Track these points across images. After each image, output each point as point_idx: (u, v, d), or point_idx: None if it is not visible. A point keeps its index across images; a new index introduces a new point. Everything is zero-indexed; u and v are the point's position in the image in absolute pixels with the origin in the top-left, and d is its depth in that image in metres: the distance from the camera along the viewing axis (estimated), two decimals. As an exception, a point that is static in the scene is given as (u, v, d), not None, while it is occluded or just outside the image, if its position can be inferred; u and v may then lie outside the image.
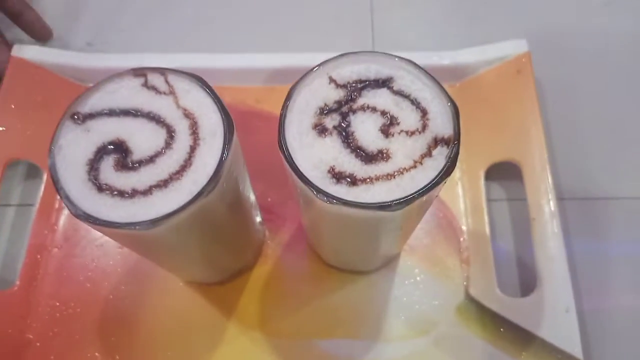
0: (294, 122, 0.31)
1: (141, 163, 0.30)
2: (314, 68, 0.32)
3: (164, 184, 0.29)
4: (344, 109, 0.31)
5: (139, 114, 0.31)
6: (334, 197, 0.28)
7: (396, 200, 0.28)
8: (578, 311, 0.42)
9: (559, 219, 0.45)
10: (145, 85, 0.32)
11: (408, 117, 0.31)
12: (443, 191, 0.49)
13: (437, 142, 0.30)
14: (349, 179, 0.29)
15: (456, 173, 0.50)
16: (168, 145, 0.30)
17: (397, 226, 0.33)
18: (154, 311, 0.45)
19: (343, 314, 0.45)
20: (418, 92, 0.32)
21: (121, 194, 0.29)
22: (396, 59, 0.32)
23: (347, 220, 0.31)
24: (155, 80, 0.32)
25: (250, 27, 0.61)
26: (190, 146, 0.30)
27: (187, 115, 0.31)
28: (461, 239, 0.47)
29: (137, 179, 0.29)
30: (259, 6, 0.62)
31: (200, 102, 0.31)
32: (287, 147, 0.30)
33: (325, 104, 0.32)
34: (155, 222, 0.28)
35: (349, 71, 0.32)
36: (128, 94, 0.32)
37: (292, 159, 0.29)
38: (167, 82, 0.32)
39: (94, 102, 0.32)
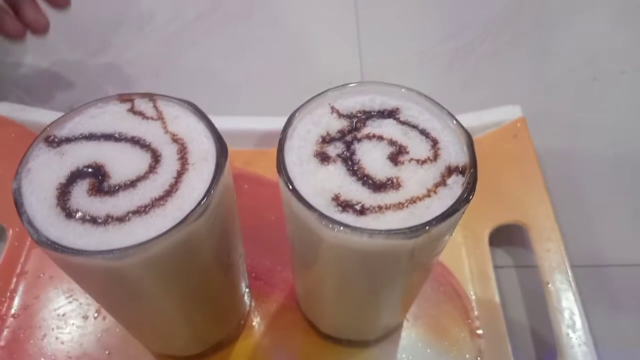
0: (294, 148, 0.28)
1: (119, 188, 0.26)
2: (314, 97, 0.30)
3: (144, 210, 0.25)
4: (348, 137, 0.29)
5: (121, 138, 0.28)
6: (341, 224, 0.25)
7: (414, 226, 0.24)
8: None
9: (575, 282, 0.41)
10: (132, 110, 0.29)
11: (418, 147, 0.29)
12: (446, 257, 0.46)
13: (451, 171, 0.28)
14: (356, 208, 0.26)
15: (459, 237, 0.47)
16: (152, 169, 0.27)
17: (408, 268, 0.29)
18: (118, 392, 0.39)
19: (340, 395, 0.39)
20: (427, 123, 0.30)
21: (93, 220, 0.25)
22: (402, 90, 0.30)
23: (352, 258, 0.27)
24: (143, 105, 0.29)
25: (239, 91, 0.60)
26: (178, 171, 0.27)
27: (176, 140, 0.28)
28: (469, 308, 0.43)
29: (113, 205, 0.26)
30: (248, 70, 0.63)
31: (191, 127, 0.29)
32: (287, 172, 0.27)
33: (328, 133, 0.29)
34: (130, 249, 0.24)
35: (353, 102, 0.31)
36: (111, 119, 0.29)
37: (292, 184, 0.26)
38: (155, 107, 0.29)
39: (72, 126, 0.29)
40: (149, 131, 0.28)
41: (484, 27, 0.67)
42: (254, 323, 0.42)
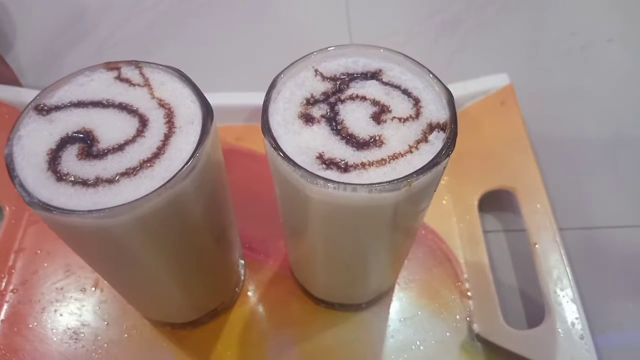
0: (278, 110, 0.29)
1: (108, 151, 0.27)
2: (298, 60, 0.31)
3: (133, 171, 0.26)
4: (332, 99, 0.30)
5: (109, 104, 0.29)
6: (325, 179, 0.25)
7: (395, 179, 0.25)
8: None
9: (562, 242, 0.42)
10: (119, 78, 0.30)
11: (400, 105, 0.29)
12: (437, 223, 0.47)
13: (432, 127, 0.28)
14: (340, 165, 0.27)
15: (449, 204, 0.47)
16: (140, 133, 0.27)
17: (393, 224, 0.30)
18: (115, 358, 0.40)
19: (333, 358, 0.40)
20: (409, 82, 0.30)
21: (84, 182, 0.26)
22: (385, 51, 0.31)
23: (338, 215, 0.28)
24: (130, 72, 0.30)
25: (228, 68, 0.61)
26: (165, 134, 0.27)
27: (162, 105, 0.29)
28: (459, 272, 0.44)
29: (103, 167, 0.26)
30: (237, 47, 0.63)
31: (177, 92, 0.29)
32: (272, 133, 0.27)
33: (312, 95, 0.30)
34: (119, 208, 0.24)
35: (336, 64, 0.31)
36: (99, 86, 0.29)
37: (277, 144, 0.27)
38: (141, 74, 0.30)
39: (61, 94, 0.29)
40: (136, 97, 0.29)
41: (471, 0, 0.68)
42: (248, 291, 0.43)
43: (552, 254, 0.42)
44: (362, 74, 0.31)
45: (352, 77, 0.31)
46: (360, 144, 0.28)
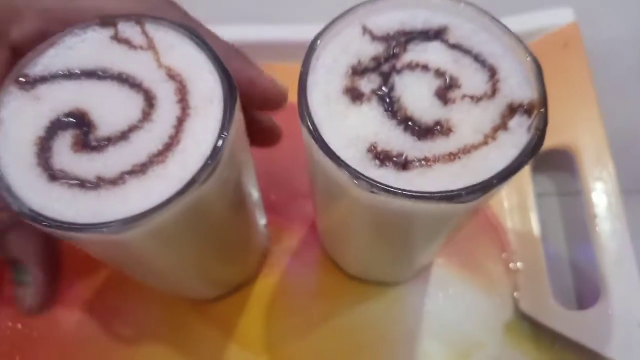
0: (319, 84, 0.23)
1: (109, 141, 0.22)
2: (342, 15, 0.24)
3: (141, 169, 0.21)
4: (385, 67, 0.24)
5: (106, 75, 0.23)
6: (380, 186, 0.20)
7: (471, 187, 0.20)
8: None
9: (625, 215, 0.37)
10: (116, 38, 0.24)
11: (472, 78, 0.23)
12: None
13: (513, 110, 0.22)
14: (396, 160, 0.21)
15: (495, 163, 0.42)
16: (146, 116, 0.22)
17: (455, 224, 0.25)
18: (134, 333, 0.37)
19: (366, 335, 0.37)
20: (483, 46, 0.24)
21: (82, 183, 0.21)
22: (452, 3, 0.24)
23: (390, 219, 0.23)
24: (129, 31, 0.24)
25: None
26: (177, 117, 0.22)
27: (172, 76, 0.23)
28: (505, 241, 0.39)
29: (104, 163, 0.21)
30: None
31: (190, 59, 0.23)
32: (311, 116, 0.22)
33: (360, 62, 0.24)
34: (129, 222, 0.20)
35: (390, 19, 0.25)
36: (92, 49, 0.24)
37: (318, 132, 0.21)
38: (144, 33, 0.24)
39: (48, 60, 0.23)
40: (139, 65, 0.23)
41: None
42: (273, 261, 0.39)
43: (614, 227, 0.37)
44: (422, 32, 0.24)
45: (409, 37, 0.24)
46: (422, 131, 0.22)
